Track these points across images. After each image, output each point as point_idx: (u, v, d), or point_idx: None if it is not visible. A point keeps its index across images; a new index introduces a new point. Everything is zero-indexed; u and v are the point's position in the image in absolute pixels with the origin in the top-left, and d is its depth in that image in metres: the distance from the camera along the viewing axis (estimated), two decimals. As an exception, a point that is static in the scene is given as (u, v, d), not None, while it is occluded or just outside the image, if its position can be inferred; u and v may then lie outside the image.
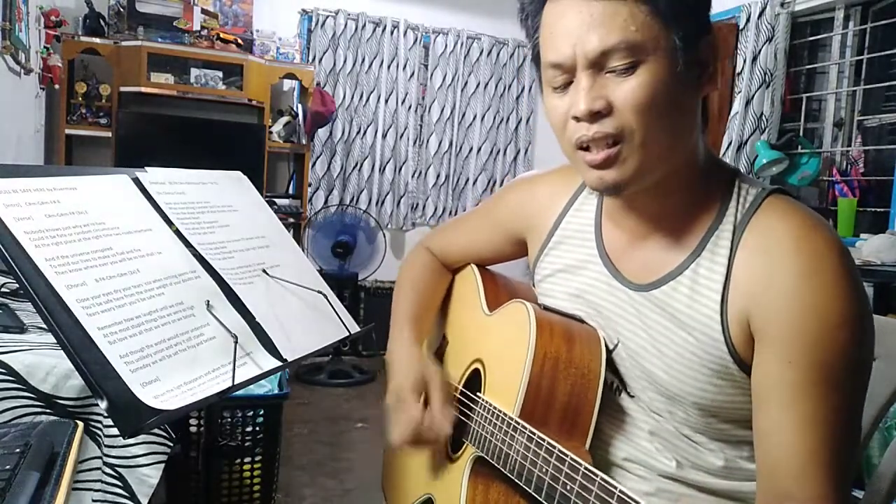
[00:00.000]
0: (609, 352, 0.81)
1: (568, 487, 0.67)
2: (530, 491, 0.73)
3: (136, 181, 0.92)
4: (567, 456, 0.69)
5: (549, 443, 0.72)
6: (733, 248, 0.71)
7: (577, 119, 0.68)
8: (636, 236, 0.80)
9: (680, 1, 0.66)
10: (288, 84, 4.03)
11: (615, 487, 0.62)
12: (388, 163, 4.24)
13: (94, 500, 1.01)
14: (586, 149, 0.70)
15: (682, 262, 0.74)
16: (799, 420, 0.65)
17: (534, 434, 0.74)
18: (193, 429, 1.73)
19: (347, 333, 1.03)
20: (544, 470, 0.71)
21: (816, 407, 0.64)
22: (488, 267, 1.07)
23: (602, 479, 0.64)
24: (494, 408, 0.82)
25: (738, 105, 3.23)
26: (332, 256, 3.80)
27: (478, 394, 0.87)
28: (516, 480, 0.76)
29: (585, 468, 0.66)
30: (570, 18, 0.67)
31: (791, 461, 0.65)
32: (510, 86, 4.47)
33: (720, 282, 0.71)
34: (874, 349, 0.69)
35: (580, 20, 0.67)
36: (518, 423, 0.77)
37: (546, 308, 0.87)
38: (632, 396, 0.81)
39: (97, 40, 3.34)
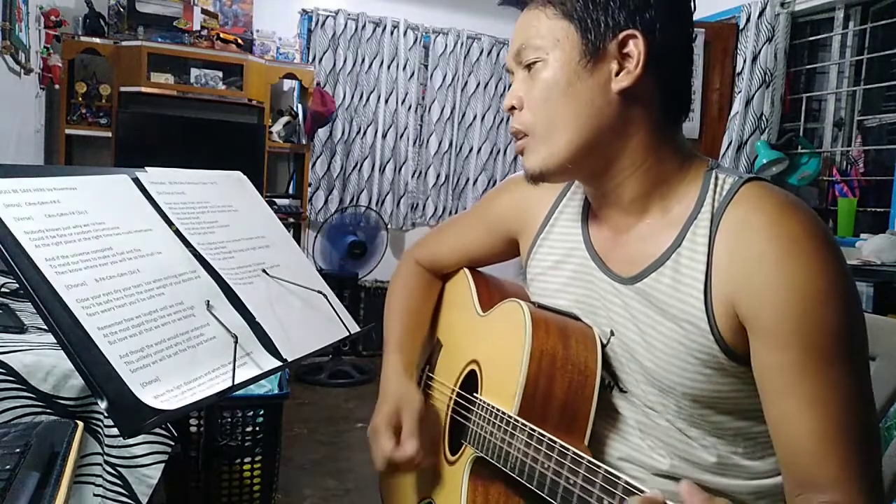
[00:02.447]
0: (603, 347, 0.81)
1: (571, 482, 0.67)
2: (532, 487, 0.73)
3: (136, 181, 0.92)
4: (569, 450, 0.69)
5: (549, 439, 0.72)
6: (711, 235, 0.71)
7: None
8: (619, 230, 0.81)
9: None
10: (288, 84, 4.03)
11: (619, 478, 0.61)
12: (388, 163, 4.24)
13: (94, 495, 1.02)
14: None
15: (663, 253, 0.75)
16: (803, 403, 0.64)
17: (534, 431, 0.74)
18: (193, 429, 1.73)
19: (347, 333, 1.03)
20: (546, 466, 0.71)
21: (816, 387, 0.64)
22: (479, 269, 1.07)
23: (606, 471, 0.64)
24: (493, 407, 0.82)
25: (738, 105, 3.23)
26: (348, 257, 3.79)
27: (475, 394, 0.87)
28: (518, 478, 0.76)
29: (588, 461, 0.66)
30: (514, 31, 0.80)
31: (804, 446, 0.65)
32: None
33: (702, 270, 0.71)
34: (865, 322, 0.68)
35: (515, 30, 0.79)
36: (517, 421, 0.77)
37: (540, 306, 0.87)
38: (623, 392, 0.81)
39: (97, 40, 3.34)
